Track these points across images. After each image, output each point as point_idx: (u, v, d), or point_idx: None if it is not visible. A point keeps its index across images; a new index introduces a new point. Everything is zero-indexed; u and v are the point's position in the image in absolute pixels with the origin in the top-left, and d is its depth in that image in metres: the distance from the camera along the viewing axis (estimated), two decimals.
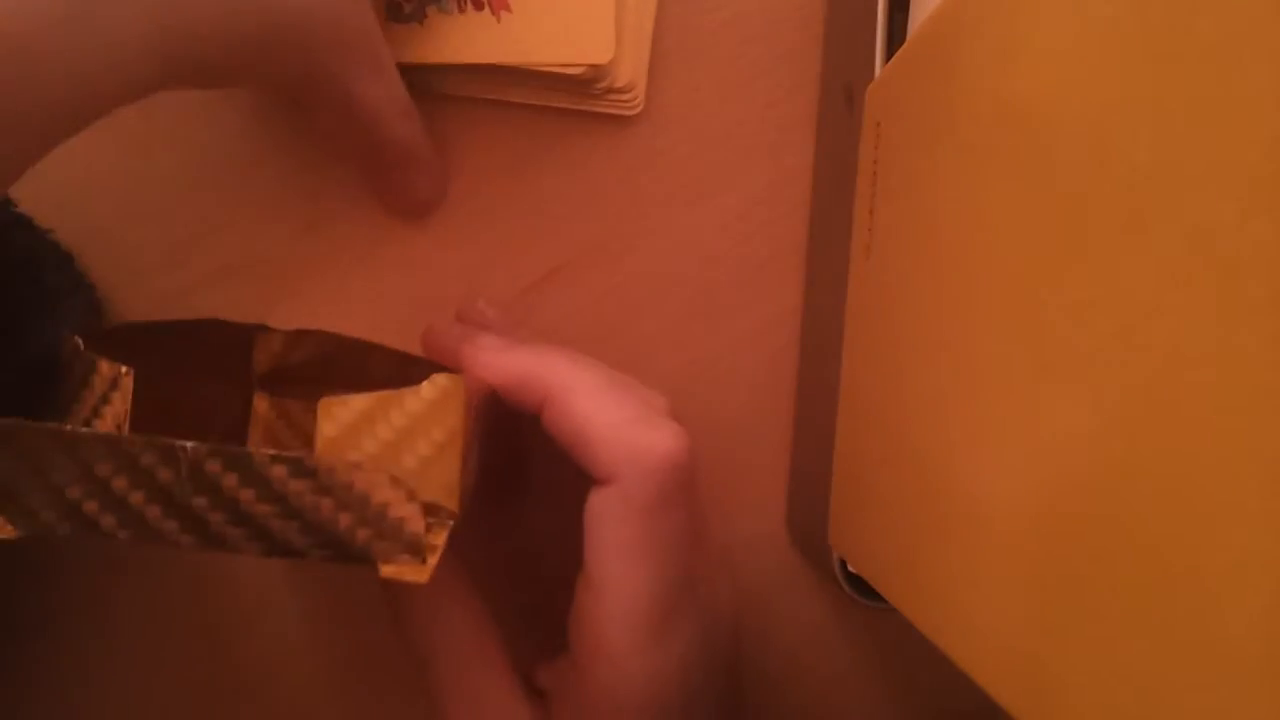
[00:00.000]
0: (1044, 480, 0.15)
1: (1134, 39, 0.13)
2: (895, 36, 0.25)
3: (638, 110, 0.31)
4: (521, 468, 0.30)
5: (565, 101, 0.30)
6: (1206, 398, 0.11)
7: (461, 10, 0.27)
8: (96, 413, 0.20)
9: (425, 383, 0.20)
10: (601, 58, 0.28)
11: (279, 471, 0.18)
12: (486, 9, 0.27)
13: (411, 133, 0.28)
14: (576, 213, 0.31)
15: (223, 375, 0.27)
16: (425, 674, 0.23)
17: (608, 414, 0.22)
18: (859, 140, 0.26)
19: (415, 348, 0.31)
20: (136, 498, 0.18)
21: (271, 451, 0.18)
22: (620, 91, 0.30)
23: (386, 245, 0.31)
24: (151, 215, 0.30)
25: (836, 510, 0.26)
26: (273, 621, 0.31)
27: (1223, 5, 0.11)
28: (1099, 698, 0.13)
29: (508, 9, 0.27)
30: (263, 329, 0.28)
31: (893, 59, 0.23)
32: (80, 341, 0.20)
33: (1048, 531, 0.15)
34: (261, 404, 0.28)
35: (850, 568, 0.27)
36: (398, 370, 0.26)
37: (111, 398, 0.20)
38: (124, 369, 0.20)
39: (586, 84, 0.29)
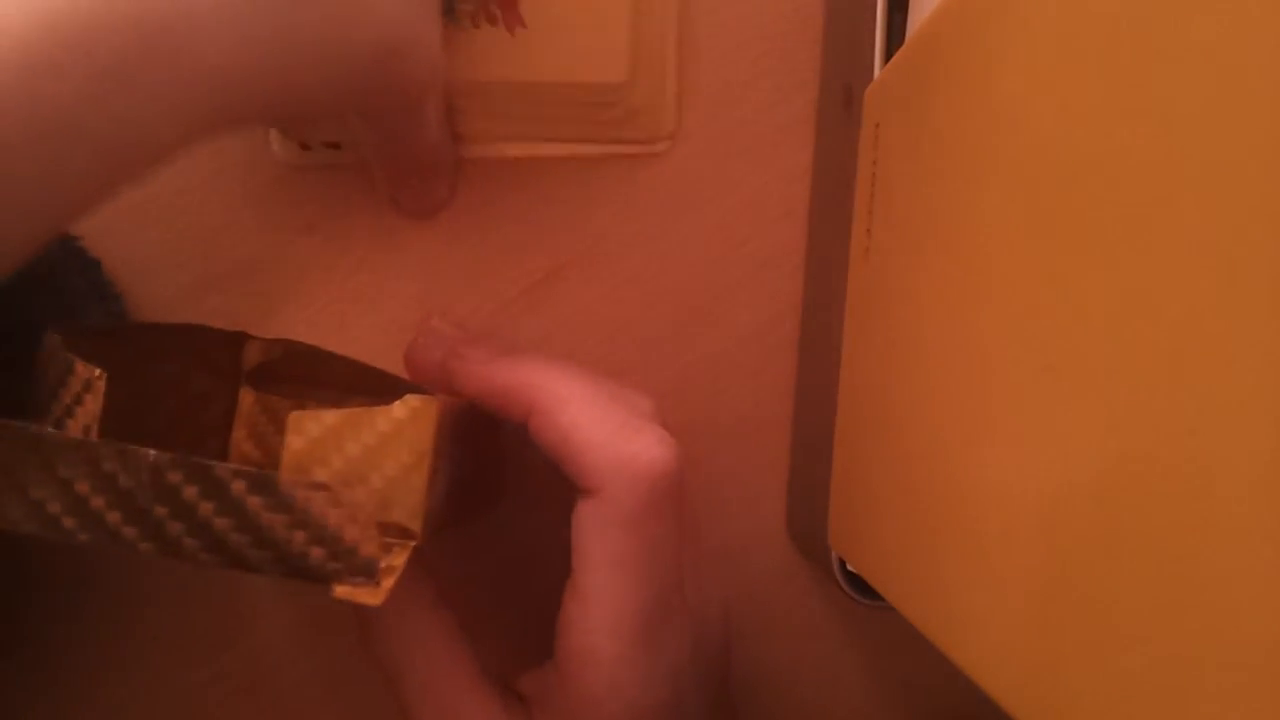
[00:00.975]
0: (1044, 480, 0.15)
1: (1133, 38, 0.13)
2: (895, 37, 0.25)
3: (668, 135, 0.31)
4: (501, 475, 0.30)
5: (588, 138, 0.30)
6: (1209, 398, 0.11)
7: (476, 26, 0.27)
8: (70, 412, 0.20)
9: (397, 402, 0.20)
10: (613, 75, 0.28)
11: (239, 485, 0.18)
12: (501, 24, 0.27)
13: (446, 142, 0.29)
14: (576, 214, 0.31)
15: (212, 368, 0.27)
16: (393, 687, 0.23)
17: (593, 424, 0.22)
18: (858, 141, 0.26)
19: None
20: (98, 502, 0.18)
21: (233, 466, 0.18)
22: (638, 113, 0.30)
23: (388, 245, 0.31)
24: (151, 216, 0.30)
25: (836, 510, 0.26)
26: (264, 630, 0.31)
27: (1222, 5, 0.11)
28: (1099, 698, 0.13)
29: (523, 25, 0.27)
30: (244, 336, 0.28)
31: (892, 60, 0.23)
32: (59, 339, 0.20)
33: (1047, 532, 0.15)
34: (247, 398, 0.28)
35: (850, 568, 0.27)
36: (377, 384, 0.26)
37: (84, 399, 0.20)
38: (97, 372, 0.20)
39: (605, 109, 0.29)
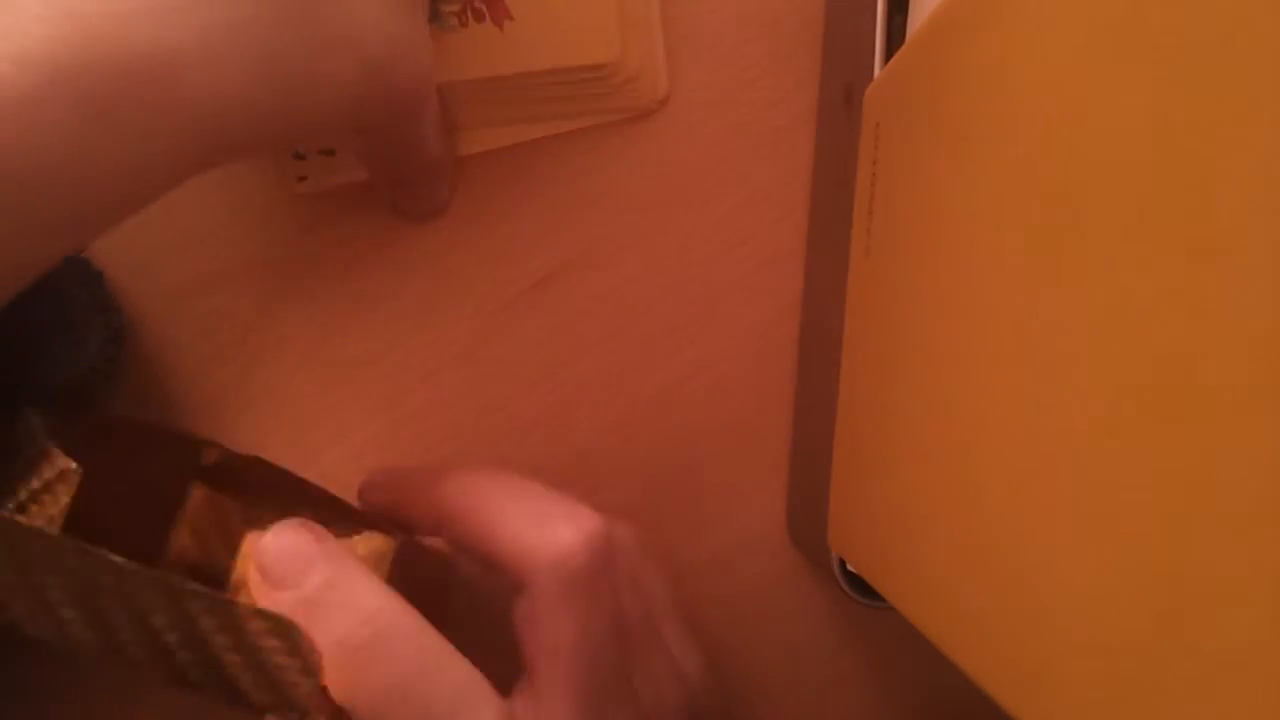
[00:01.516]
0: (1044, 477, 0.15)
1: (1134, 39, 0.13)
2: (895, 37, 0.25)
3: (662, 98, 0.30)
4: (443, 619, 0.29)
5: (584, 112, 0.30)
6: (1211, 401, 0.11)
7: (463, 24, 0.27)
8: (35, 498, 0.20)
9: (359, 538, 0.19)
10: (606, 56, 0.27)
11: (196, 606, 0.18)
12: (488, 20, 0.27)
13: (445, 149, 0.28)
14: (577, 214, 0.31)
15: (170, 455, 0.26)
16: None
17: (507, 520, 0.22)
18: (859, 140, 0.26)
19: (416, 349, 0.31)
20: (55, 595, 0.18)
21: (195, 586, 0.18)
22: (634, 79, 0.29)
23: (386, 245, 0.31)
24: (149, 215, 0.30)
25: (836, 510, 0.26)
26: None
27: (1223, 5, 0.11)
28: (1099, 698, 0.13)
29: (510, 18, 0.27)
30: (208, 444, 0.26)
31: (892, 59, 0.23)
32: (38, 422, 0.20)
33: (1046, 531, 0.15)
34: (199, 493, 0.26)
35: (850, 568, 0.27)
36: (337, 515, 0.25)
37: (56, 489, 0.20)
38: (74, 465, 0.20)
39: (601, 80, 0.29)
